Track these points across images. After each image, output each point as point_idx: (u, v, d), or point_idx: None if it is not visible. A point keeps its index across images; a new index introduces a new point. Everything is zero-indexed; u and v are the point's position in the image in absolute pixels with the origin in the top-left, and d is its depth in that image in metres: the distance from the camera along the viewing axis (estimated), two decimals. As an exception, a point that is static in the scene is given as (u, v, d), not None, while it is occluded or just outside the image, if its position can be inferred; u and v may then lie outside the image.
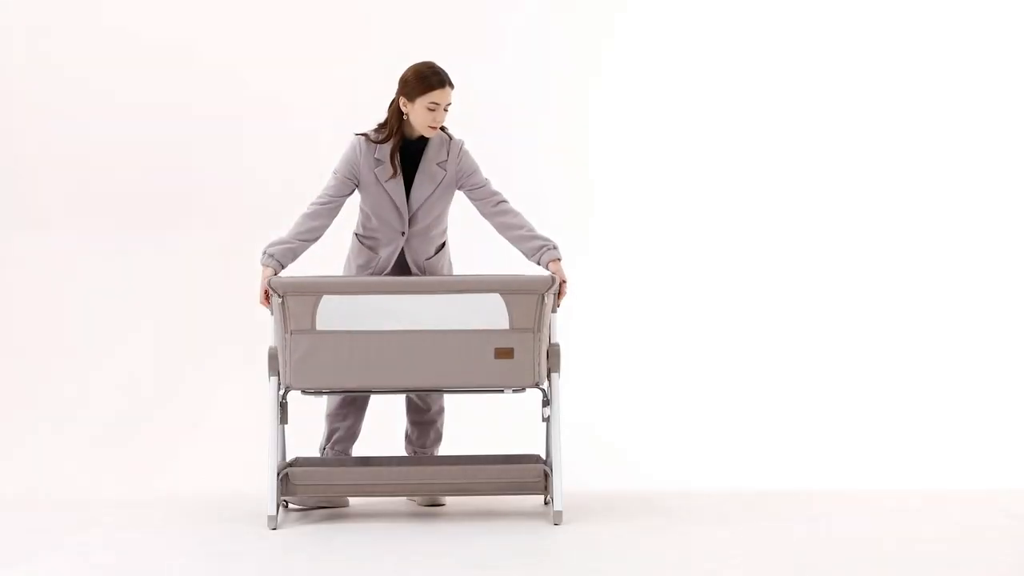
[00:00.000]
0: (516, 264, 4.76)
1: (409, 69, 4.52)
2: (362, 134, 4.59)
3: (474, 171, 4.63)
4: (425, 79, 4.47)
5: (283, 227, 4.58)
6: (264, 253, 4.48)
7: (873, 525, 4.37)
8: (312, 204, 4.57)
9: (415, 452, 4.86)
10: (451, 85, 4.50)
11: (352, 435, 4.78)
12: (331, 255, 4.78)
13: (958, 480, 5.12)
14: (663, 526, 4.33)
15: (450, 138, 4.62)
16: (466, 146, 4.64)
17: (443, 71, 4.50)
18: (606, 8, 6.35)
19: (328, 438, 4.77)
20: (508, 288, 4.32)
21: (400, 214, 4.58)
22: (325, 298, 4.30)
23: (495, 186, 4.66)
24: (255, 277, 4.44)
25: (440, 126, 4.54)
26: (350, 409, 4.75)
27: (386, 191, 4.56)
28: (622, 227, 6.27)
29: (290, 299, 4.30)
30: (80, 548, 4.08)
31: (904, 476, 5.19)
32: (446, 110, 4.51)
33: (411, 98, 4.48)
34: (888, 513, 4.57)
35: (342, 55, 6.28)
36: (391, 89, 4.55)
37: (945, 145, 6.25)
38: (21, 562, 3.92)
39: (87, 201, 6.20)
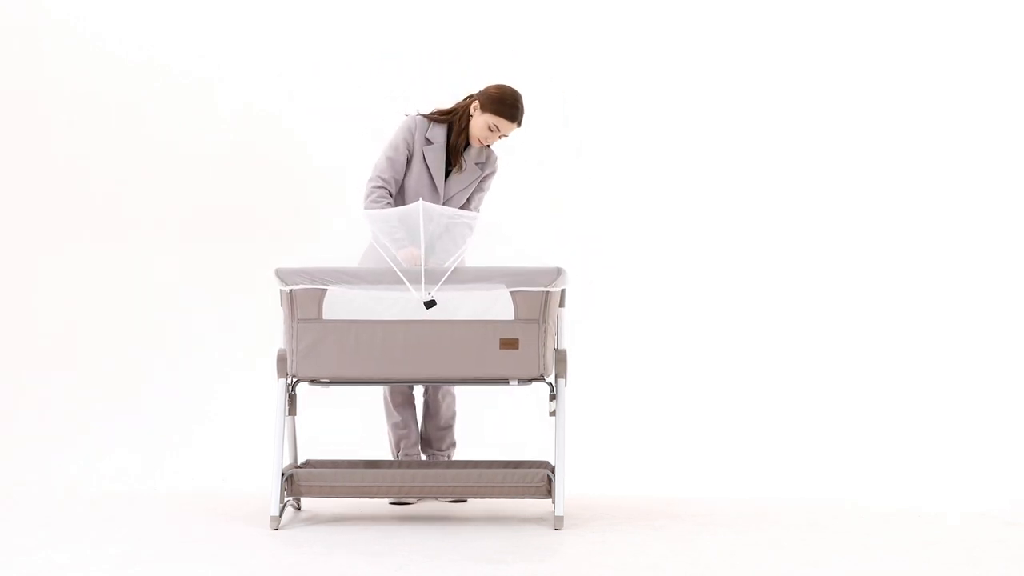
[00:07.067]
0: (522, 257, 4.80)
1: (498, 87, 4.69)
2: (420, 114, 4.76)
3: (487, 189, 4.82)
4: (504, 104, 4.65)
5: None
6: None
7: (876, 533, 4.31)
8: (373, 198, 4.66)
9: (432, 455, 4.87)
10: (520, 124, 4.69)
11: (414, 438, 4.85)
12: (342, 243, 4.83)
13: (955, 492, 5.10)
14: (668, 532, 4.29)
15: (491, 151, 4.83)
16: (499, 167, 4.84)
17: (522, 108, 4.67)
18: (605, 9, 6.38)
19: (397, 446, 4.84)
20: (514, 279, 4.33)
21: (437, 194, 4.70)
22: (332, 288, 4.33)
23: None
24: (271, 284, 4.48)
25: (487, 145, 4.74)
26: (402, 413, 4.81)
27: (428, 169, 4.69)
28: (628, 230, 6.29)
29: (297, 288, 4.34)
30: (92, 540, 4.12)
31: (903, 488, 5.17)
32: (501, 138, 4.70)
33: (484, 108, 4.66)
34: (888, 522, 4.52)
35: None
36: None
37: (946, 154, 6.26)
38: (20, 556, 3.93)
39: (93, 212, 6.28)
